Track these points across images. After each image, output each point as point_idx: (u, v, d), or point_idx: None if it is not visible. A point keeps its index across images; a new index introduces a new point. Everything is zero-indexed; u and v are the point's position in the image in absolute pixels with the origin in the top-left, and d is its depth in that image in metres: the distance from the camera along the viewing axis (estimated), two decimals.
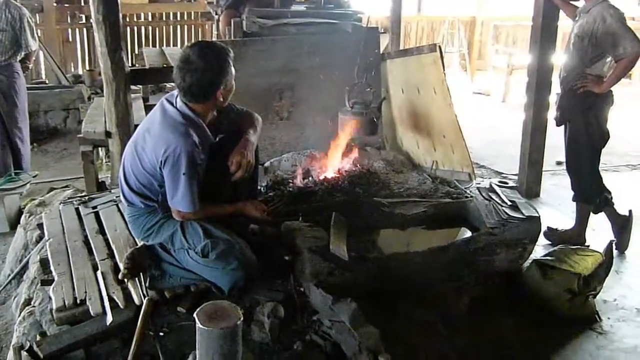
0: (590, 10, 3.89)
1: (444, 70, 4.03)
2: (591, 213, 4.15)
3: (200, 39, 9.59)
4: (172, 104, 2.89)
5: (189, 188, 2.79)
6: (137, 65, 7.31)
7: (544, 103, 4.89)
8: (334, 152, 3.95)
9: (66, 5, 9.26)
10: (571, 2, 4.34)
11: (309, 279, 2.84)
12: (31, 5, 7.18)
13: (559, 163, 5.18)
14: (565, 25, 4.51)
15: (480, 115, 7.86)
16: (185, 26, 9.90)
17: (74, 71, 9.23)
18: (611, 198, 4.11)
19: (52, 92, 7.65)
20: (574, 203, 4.19)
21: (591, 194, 4.10)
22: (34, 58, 5.82)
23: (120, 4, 4.22)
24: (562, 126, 4.15)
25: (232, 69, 2.87)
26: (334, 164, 3.90)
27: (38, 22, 8.45)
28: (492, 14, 11.36)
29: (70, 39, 9.41)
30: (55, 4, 8.93)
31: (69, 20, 9.36)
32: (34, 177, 5.15)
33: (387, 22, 7.01)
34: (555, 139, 4.49)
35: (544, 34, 4.74)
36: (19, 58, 5.35)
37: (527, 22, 5.29)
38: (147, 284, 2.89)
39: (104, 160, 5.55)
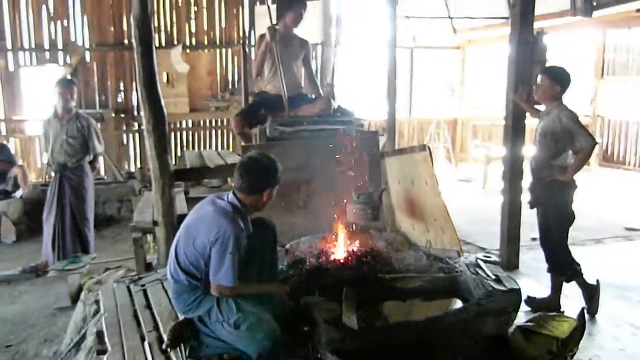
0: (549, 112, 3.98)
1: (433, 165, 4.08)
2: (564, 282, 4.09)
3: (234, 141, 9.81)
4: (222, 199, 3.00)
5: (232, 265, 2.80)
6: (180, 164, 7.46)
7: (518, 188, 4.91)
8: (344, 235, 3.95)
9: (122, 115, 9.56)
10: (535, 106, 4.45)
11: (325, 347, 2.79)
12: (94, 116, 7.39)
13: (533, 239, 5.14)
14: (532, 123, 4.60)
15: (464, 199, 7.88)
16: (219, 131, 10.13)
17: (128, 169, 9.41)
18: (580, 269, 4.06)
19: (109, 187, 7.79)
20: (549, 274, 4.13)
21: (563, 266, 4.05)
22: (101, 159, 5.95)
23: (166, 113, 4.36)
24: (535, 208, 4.16)
25: (278, 182, 3.02)
26: (344, 245, 3.89)
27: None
28: (471, 115, 11.58)
29: (125, 142, 9.65)
30: (113, 115, 9.23)
31: (124, 128, 9.64)
32: (92, 259, 5.17)
33: (383, 124, 7.15)
34: (529, 217, 4.48)
35: (514, 131, 4.82)
36: (87, 160, 5.46)
37: (499, 122, 5.39)
38: (187, 353, 2.85)
39: (152, 245, 5.58)
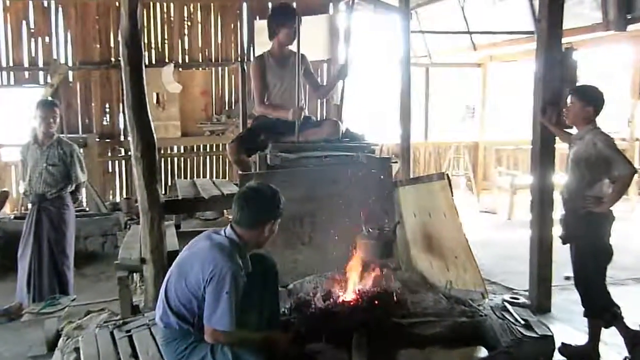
0: (582, 137, 3.98)
1: (452, 195, 4.08)
2: (602, 328, 4.03)
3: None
4: (218, 233, 3.02)
5: (229, 307, 2.79)
6: (171, 195, 7.47)
7: (548, 220, 4.88)
8: (353, 274, 3.92)
9: (107, 140, 9.61)
10: (565, 129, 4.45)
11: None
12: (77, 141, 7.41)
13: (567, 278, 5.08)
14: (562, 148, 4.60)
15: (488, 233, 7.83)
16: (214, 157, 10.18)
17: (113, 199, 9.43)
18: (620, 312, 4.00)
19: (92, 220, 7.77)
20: (585, 318, 4.08)
21: (601, 309, 3.99)
22: (83, 189, 5.95)
23: (156, 138, 4.38)
24: (568, 244, 4.13)
25: (280, 215, 3.05)
26: (354, 285, 3.86)
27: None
28: (494, 139, 11.60)
29: (110, 170, 9.69)
30: (97, 140, 9.27)
31: (109, 154, 9.69)
32: (72, 301, 5.14)
33: (397, 149, 7.16)
34: (562, 254, 4.44)
35: (542, 157, 4.82)
36: (69, 190, 5.46)
37: (526, 146, 5.39)
38: None
39: (139, 285, 5.55)
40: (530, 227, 4.97)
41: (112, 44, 9.46)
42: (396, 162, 5.95)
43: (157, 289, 4.00)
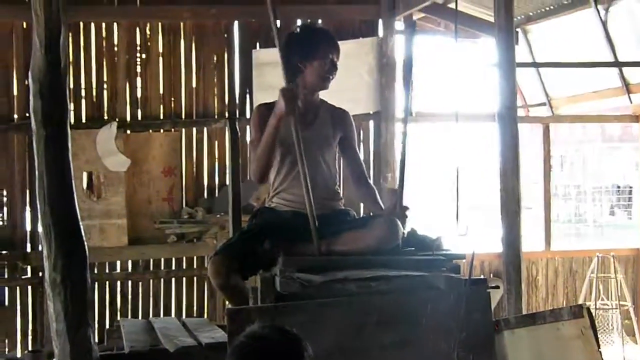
0: None
1: (598, 345, 4.04)
2: None
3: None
4: None
5: None
6: (111, 345, 7.45)
7: None
8: None
9: (3, 252, 9.67)
10: None
11: None
12: None
13: None
14: None
15: None
16: (185, 280, 10.20)
17: (10, 353, 9.39)
18: None
19: None
20: None
21: None
22: None
23: (87, 249, 4.44)
24: None
25: None
26: None
27: None
28: None
29: (7, 303, 9.68)
30: None
31: (6, 275, 9.74)
32: None
33: (498, 263, 7.10)
34: None
35: None
36: None
37: None
38: None
39: None
40: None
41: (15, 92, 9.72)
42: (498, 286, 5.91)
43: None
